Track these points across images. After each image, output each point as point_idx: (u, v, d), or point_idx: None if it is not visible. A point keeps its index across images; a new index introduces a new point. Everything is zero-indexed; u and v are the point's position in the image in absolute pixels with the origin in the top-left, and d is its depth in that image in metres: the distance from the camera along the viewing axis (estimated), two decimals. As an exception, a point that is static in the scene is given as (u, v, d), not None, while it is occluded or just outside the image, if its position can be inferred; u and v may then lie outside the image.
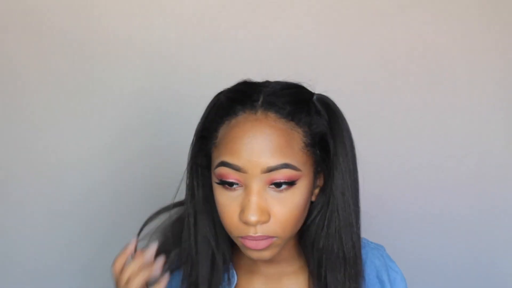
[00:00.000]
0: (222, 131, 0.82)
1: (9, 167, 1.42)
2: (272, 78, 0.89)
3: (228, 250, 0.90)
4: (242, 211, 0.79)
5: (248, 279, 0.92)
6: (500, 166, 1.47)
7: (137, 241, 0.89)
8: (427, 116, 1.46)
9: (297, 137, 0.81)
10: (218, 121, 0.83)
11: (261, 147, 0.78)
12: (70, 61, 1.40)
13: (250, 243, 0.81)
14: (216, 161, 0.81)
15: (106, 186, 1.43)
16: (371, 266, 0.93)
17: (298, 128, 0.81)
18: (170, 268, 0.89)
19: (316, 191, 0.86)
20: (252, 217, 0.78)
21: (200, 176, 0.87)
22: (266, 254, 0.82)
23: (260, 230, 0.79)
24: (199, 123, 0.87)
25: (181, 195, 0.92)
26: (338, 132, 0.84)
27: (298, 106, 0.82)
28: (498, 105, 1.46)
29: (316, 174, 0.84)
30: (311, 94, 0.87)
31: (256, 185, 0.79)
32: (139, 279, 0.83)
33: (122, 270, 0.85)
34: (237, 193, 0.80)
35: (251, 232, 0.80)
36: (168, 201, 0.94)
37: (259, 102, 0.81)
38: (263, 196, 0.79)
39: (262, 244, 0.80)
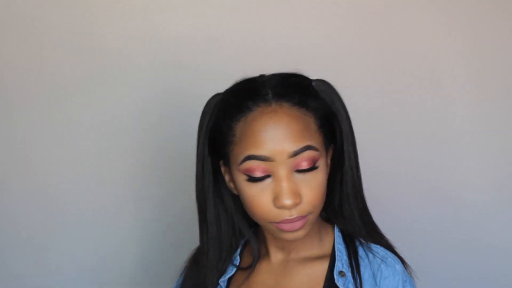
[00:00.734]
0: (239, 128, 0.86)
1: (8, 167, 1.42)
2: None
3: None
4: (276, 197, 0.85)
5: (265, 264, 0.97)
6: (500, 166, 1.47)
7: None
8: (427, 116, 1.46)
9: (310, 121, 0.87)
10: (231, 120, 0.87)
11: (283, 134, 0.84)
12: (70, 61, 1.40)
13: (286, 226, 0.86)
14: (239, 157, 0.85)
15: (107, 186, 1.43)
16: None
17: (309, 113, 0.87)
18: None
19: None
20: (288, 201, 0.84)
21: (209, 174, 0.93)
22: (301, 233, 0.88)
23: (295, 212, 0.85)
24: (205, 128, 0.91)
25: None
26: (340, 111, 0.92)
27: (305, 93, 0.88)
28: (498, 105, 1.46)
29: (327, 151, 0.91)
30: (309, 80, 0.92)
31: (284, 170, 0.84)
32: None
33: None
34: (266, 182, 0.86)
35: (287, 215, 0.85)
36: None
37: (270, 95, 0.86)
38: (292, 180, 0.85)
39: (298, 224, 0.87)
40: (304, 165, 0.85)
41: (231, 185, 0.92)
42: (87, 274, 1.44)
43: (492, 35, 1.44)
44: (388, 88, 1.45)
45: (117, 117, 1.42)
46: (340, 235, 0.96)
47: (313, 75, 0.94)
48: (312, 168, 0.86)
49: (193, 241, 1.03)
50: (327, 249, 0.96)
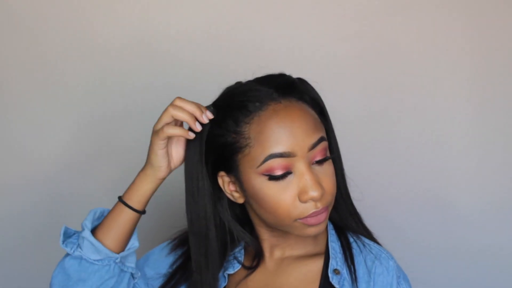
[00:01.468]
0: (252, 131, 0.86)
1: (7, 166, 1.43)
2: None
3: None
4: (303, 191, 0.85)
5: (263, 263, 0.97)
6: (500, 165, 1.47)
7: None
8: (427, 116, 1.46)
9: (314, 114, 0.89)
10: (237, 125, 0.87)
11: (301, 128, 0.85)
12: (70, 60, 1.40)
13: (312, 220, 0.87)
14: (259, 158, 0.85)
15: (107, 186, 1.43)
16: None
17: (310, 106, 0.90)
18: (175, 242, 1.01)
19: None
20: (315, 193, 0.85)
21: (207, 189, 0.92)
22: (324, 226, 0.89)
23: (320, 204, 0.86)
24: (212, 139, 0.89)
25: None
26: (324, 104, 0.93)
27: (300, 90, 0.90)
28: (498, 105, 1.46)
29: None
30: (293, 77, 0.93)
31: (304, 164, 0.85)
32: (188, 115, 0.87)
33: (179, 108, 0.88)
34: (288, 180, 0.86)
35: (313, 208, 0.86)
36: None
37: (275, 94, 0.87)
38: (313, 172, 0.86)
39: (323, 216, 0.88)
40: (320, 156, 0.87)
41: (236, 194, 0.91)
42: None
43: (492, 35, 1.44)
44: (388, 88, 1.45)
45: (117, 117, 1.42)
46: (333, 232, 0.97)
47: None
48: (326, 158, 0.88)
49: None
50: (321, 247, 0.96)
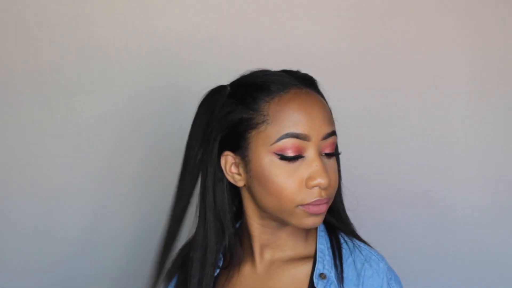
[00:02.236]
0: (272, 108, 0.86)
1: (7, 169, 1.42)
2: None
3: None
4: (311, 177, 0.86)
5: (250, 266, 0.96)
6: (500, 165, 1.47)
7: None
8: (427, 116, 1.46)
9: (329, 108, 0.91)
10: (256, 102, 0.87)
11: (320, 115, 0.87)
12: (70, 60, 1.40)
13: (314, 208, 0.87)
14: (274, 136, 0.86)
15: (107, 186, 1.43)
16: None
17: (325, 102, 0.91)
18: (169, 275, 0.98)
19: None
20: (323, 180, 0.85)
21: (214, 165, 0.92)
22: (321, 219, 0.89)
23: (324, 194, 0.87)
24: (214, 117, 0.90)
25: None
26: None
27: (317, 85, 0.93)
28: (498, 105, 1.46)
29: None
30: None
31: (315, 151, 0.86)
32: None
33: None
34: (297, 163, 0.86)
35: (317, 196, 0.86)
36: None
37: (297, 81, 0.89)
38: (323, 161, 0.87)
39: (324, 207, 0.88)
40: (329, 149, 0.88)
41: (237, 177, 0.91)
42: (87, 273, 1.44)
43: (492, 35, 1.44)
44: (388, 88, 1.45)
45: (117, 116, 1.42)
46: (323, 234, 0.96)
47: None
48: (334, 153, 0.89)
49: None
50: (311, 249, 0.95)
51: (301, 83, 0.89)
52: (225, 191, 0.93)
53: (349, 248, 0.94)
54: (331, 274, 0.91)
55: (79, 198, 1.43)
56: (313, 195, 0.86)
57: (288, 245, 0.95)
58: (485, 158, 1.47)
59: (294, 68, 0.94)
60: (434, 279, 1.49)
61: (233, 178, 0.92)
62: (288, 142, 0.85)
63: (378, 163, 1.46)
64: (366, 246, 0.95)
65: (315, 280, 0.91)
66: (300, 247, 0.95)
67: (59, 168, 1.42)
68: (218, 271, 0.97)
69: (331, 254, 0.93)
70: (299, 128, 0.85)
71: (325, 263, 0.92)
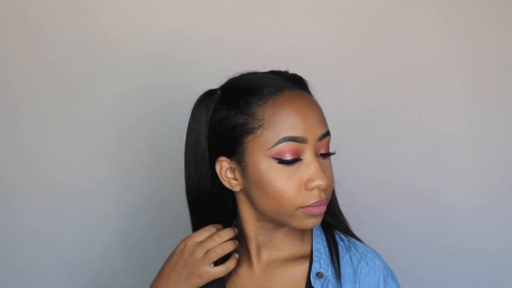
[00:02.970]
0: (267, 113, 0.86)
1: (8, 169, 1.42)
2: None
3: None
4: (311, 178, 0.86)
5: (247, 267, 0.96)
6: (500, 165, 1.47)
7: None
8: (427, 116, 1.46)
9: (320, 108, 0.91)
10: (249, 106, 0.87)
11: (315, 116, 0.87)
12: (70, 60, 1.40)
13: (314, 209, 0.87)
14: (272, 140, 0.85)
15: (107, 186, 1.43)
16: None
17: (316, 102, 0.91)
18: None
19: None
20: (322, 181, 0.86)
21: (207, 173, 0.93)
22: (321, 219, 0.89)
23: (323, 194, 0.87)
24: (205, 123, 0.90)
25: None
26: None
27: (307, 86, 0.92)
28: (498, 105, 1.46)
29: None
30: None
31: (312, 153, 0.86)
32: (221, 251, 0.90)
33: (201, 243, 0.91)
34: (295, 166, 0.86)
35: (317, 197, 0.86)
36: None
37: (289, 83, 0.89)
38: (320, 162, 0.87)
39: (324, 208, 0.88)
40: (324, 149, 0.88)
41: (233, 182, 0.91)
42: (87, 272, 1.44)
43: (492, 35, 1.44)
44: (388, 88, 1.45)
45: (117, 116, 1.42)
46: (318, 233, 0.96)
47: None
48: (330, 153, 0.89)
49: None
50: (307, 248, 0.96)
51: (293, 85, 0.89)
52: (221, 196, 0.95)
53: (345, 246, 0.94)
54: (328, 272, 0.91)
55: (78, 197, 1.43)
56: (313, 196, 0.86)
57: (284, 245, 0.95)
58: (484, 158, 1.47)
59: (294, 69, 0.94)
60: (434, 278, 1.49)
61: (229, 183, 0.91)
62: (286, 146, 0.85)
63: (378, 163, 1.46)
64: (361, 244, 0.96)
65: (312, 280, 0.91)
66: (296, 247, 0.95)
67: (57, 167, 1.42)
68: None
69: (327, 252, 0.94)
70: (296, 131, 0.85)
71: (321, 262, 0.93)
